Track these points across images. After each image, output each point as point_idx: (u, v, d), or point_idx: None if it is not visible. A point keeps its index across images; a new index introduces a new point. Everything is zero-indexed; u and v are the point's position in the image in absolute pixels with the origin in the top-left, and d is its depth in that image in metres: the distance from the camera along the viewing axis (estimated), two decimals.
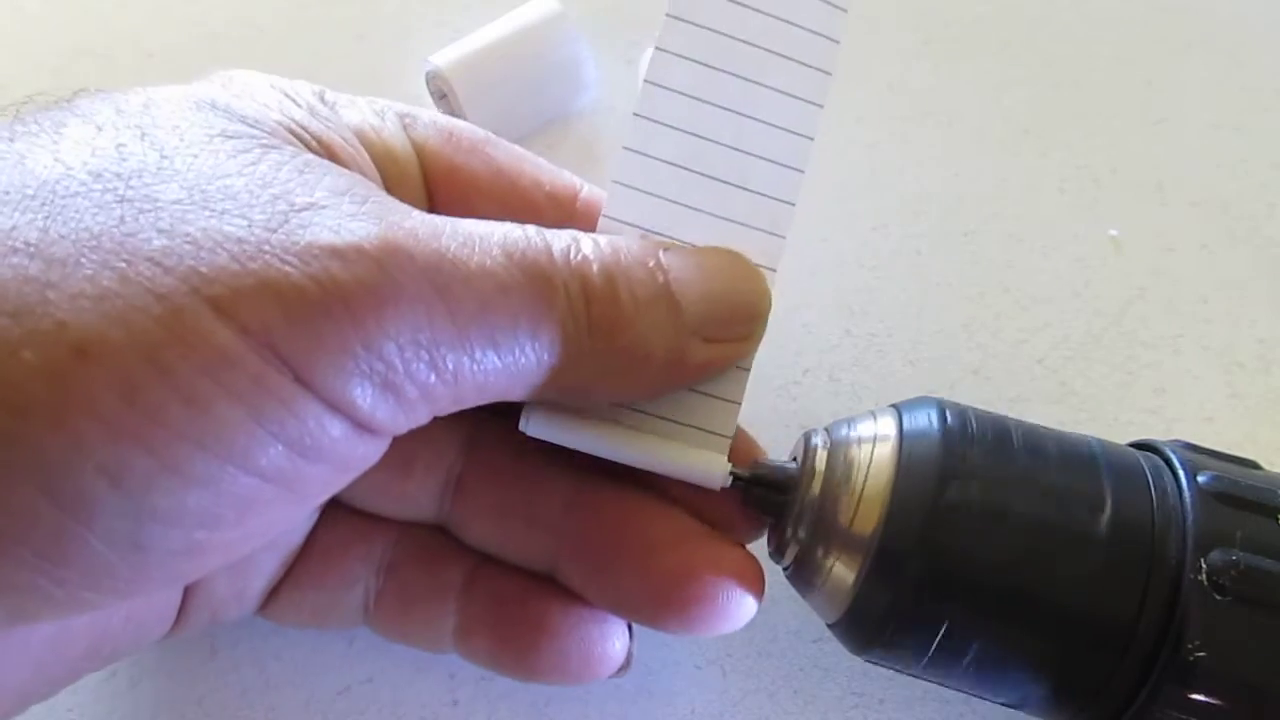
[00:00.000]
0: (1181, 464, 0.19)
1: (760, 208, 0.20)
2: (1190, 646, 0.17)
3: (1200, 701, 0.17)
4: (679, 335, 0.18)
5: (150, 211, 0.14)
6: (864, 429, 0.20)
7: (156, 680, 0.24)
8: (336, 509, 0.22)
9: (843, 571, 0.19)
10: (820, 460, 0.20)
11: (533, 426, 0.20)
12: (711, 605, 0.20)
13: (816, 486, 0.20)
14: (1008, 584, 0.18)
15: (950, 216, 0.31)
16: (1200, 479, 0.19)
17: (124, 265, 0.14)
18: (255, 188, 0.15)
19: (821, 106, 0.20)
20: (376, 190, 0.17)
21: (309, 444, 0.15)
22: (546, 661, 0.21)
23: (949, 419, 0.19)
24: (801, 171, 0.20)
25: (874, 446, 0.19)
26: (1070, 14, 0.36)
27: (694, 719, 0.24)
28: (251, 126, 0.17)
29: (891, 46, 0.35)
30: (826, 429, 0.21)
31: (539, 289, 0.17)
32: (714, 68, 0.20)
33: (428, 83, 0.32)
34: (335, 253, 0.15)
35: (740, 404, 0.20)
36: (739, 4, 0.20)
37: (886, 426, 0.20)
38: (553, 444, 0.20)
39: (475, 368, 0.16)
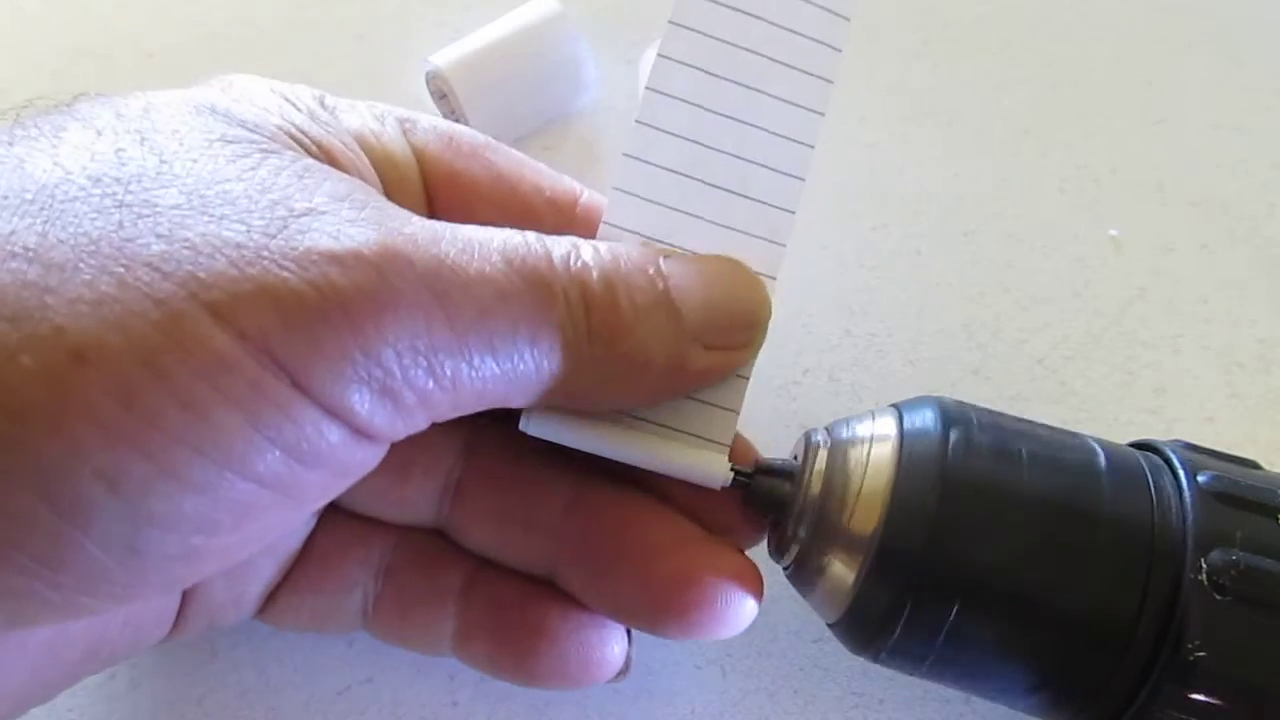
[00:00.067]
0: (1181, 464, 0.19)
1: (761, 216, 0.20)
2: (1190, 646, 0.17)
3: (1200, 701, 0.17)
4: (679, 342, 0.18)
5: (149, 216, 0.14)
6: (864, 429, 0.20)
7: (156, 682, 0.24)
8: (335, 513, 0.22)
9: (843, 571, 0.19)
10: (821, 460, 0.20)
11: (533, 426, 0.20)
12: (711, 610, 0.20)
13: (817, 486, 0.20)
14: (1008, 583, 0.18)
15: (950, 216, 0.31)
16: (1200, 479, 0.19)
17: (122, 270, 0.14)
18: (254, 193, 0.15)
19: (823, 115, 0.20)
20: (376, 196, 0.17)
21: (306, 449, 0.15)
22: (545, 666, 0.21)
23: (949, 419, 0.19)
24: (802, 180, 0.20)
25: (874, 446, 0.19)
26: (1070, 14, 0.36)
27: (694, 719, 0.24)
28: (251, 131, 0.17)
29: (891, 47, 0.35)
30: (826, 429, 0.21)
31: (538, 295, 0.17)
32: (716, 75, 0.20)
33: (428, 83, 0.32)
34: (334, 259, 0.15)
35: (739, 412, 0.20)
36: (741, 12, 0.20)
37: (886, 426, 0.20)
38: (552, 447, 0.20)
39: (474, 374, 0.16)
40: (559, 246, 0.18)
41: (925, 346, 0.29)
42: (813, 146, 0.20)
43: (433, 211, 0.21)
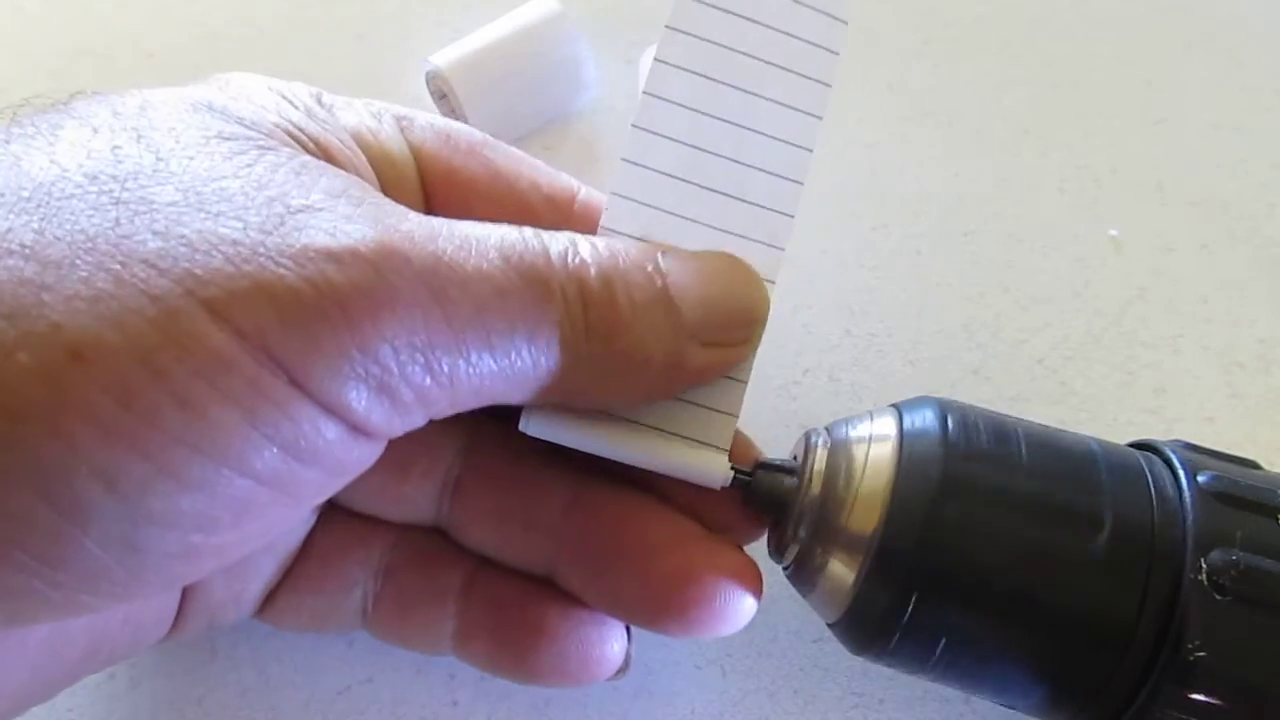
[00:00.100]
0: (1181, 464, 0.19)
1: (759, 220, 0.20)
2: (1190, 646, 0.17)
3: (1200, 701, 0.17)
4: (677, 339, 0.18)
5: (145, 214, 0.14)
6: (864, 429, 0.20)
7: (156, 681, 0.24)
8: (334, 512, 0.22)
9: (843, 571, 0.19)
10: (820, 460, 0.20)
11: (533, 426, 0.20)
12: (710, 607, 0.20)
13: (817, 486, 0.20)
14: (1008, 583, 0.18)
15: (950, 216, 0.31)
16: (1200, 479, 0.19)
17: (119, 267, 0.14)
18: (251, 190, 0.15)
19: (821, 118, 0.20)
20: (373, 192, 0.17)
21: (304, 447, 0.15)
22: (545, 664, 0.21)
23: (949, 419, 0.19)
24: (801, 183, 0.20)
25: (874, 446, 0.19)
26: (1070, 14, 0.36)
27: (694, 719, 0.24)
28: (248, 128, 0.17)
29: (891, 46, 0.35)
30: (826, 429, 0.21)
31: (536, 292, 0.17)
32: (713, 79, 0.20)
33: (428, 83, 0.32)
34: (331, 256, 0.15)
35: (737, 417, 0.20)
36: (739, 16, 0.20)
37: (886, 426, 0.20)
38: (551, 446, 0.20)
39: (471, 371, 0.16)
40: (556, 243, 0.18)
41: (925, 346, 0.29)
42: (811, 150, 0.20)
43: (430, 208, 0.21)
